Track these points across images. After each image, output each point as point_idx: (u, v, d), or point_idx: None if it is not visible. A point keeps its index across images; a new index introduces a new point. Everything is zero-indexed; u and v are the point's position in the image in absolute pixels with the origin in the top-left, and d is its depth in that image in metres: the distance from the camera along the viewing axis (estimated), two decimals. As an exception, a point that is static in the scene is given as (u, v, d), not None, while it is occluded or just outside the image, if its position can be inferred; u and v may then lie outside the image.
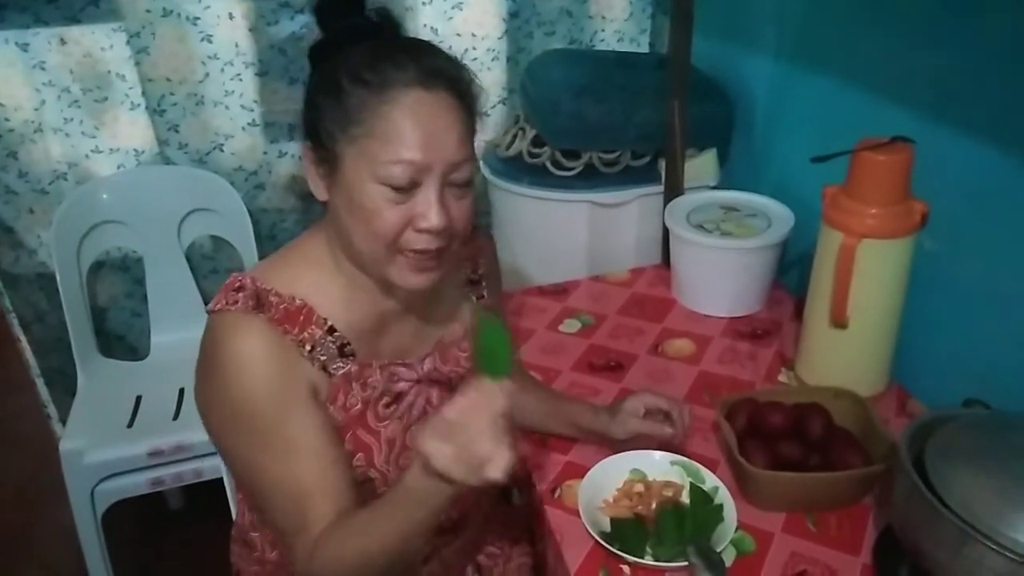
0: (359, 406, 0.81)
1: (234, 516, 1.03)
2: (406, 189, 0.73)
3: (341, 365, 0.80)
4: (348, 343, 0.81)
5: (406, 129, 0.72)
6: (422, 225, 0.74)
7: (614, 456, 1.00)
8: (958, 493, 0.74)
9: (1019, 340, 0.98)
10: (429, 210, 0.74)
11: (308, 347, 0.78)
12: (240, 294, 0.76)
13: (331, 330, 0.79)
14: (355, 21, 0.76)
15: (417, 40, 0.79)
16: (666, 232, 1.45)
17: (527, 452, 1.08)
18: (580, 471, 1.00)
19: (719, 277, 1.35)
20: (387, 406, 0.84)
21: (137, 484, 1.48)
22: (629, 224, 1.55)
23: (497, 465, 0.63)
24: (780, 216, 1.36)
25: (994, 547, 0.69)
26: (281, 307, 0.77)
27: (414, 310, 0.88)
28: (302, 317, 0.78)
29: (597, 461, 1.00)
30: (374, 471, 0.83)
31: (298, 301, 0.78)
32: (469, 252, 0.94)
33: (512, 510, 1.15)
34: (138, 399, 1.59)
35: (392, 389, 0.85)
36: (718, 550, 0.87)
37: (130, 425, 1.52)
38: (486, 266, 0.98)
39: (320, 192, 0.78)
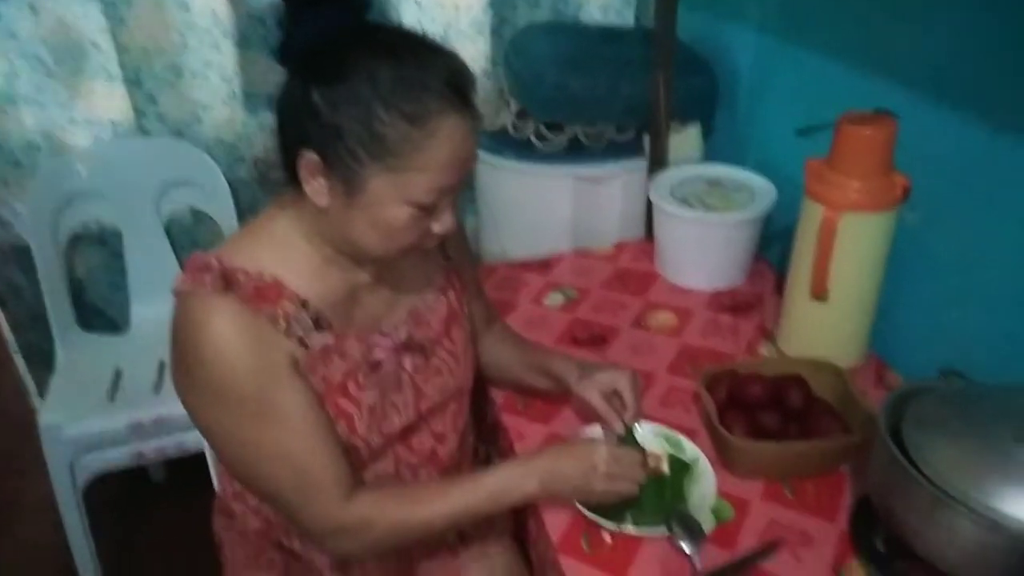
0: (339, 376, 0.82)
1: (216, 488, 1.03)
2: (433, 206, 0.77)
3: (318, 337, 0.80)
4: (322, 315, 0.80)
5: (444, 159, 0.74)
6: (439, 231, 0.80)
7: (594, 425, 1.01)
8: (933, 461, 0.75)
9: (993, 312, 0.99)
10: (447, 218, 0.79)
11: (283, 322, 0.77)
12: (207, 274, 0.75)
13: (304, 304, 0.79)
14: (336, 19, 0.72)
15: (430, 45, 0.76)
16: (650, 206, 1.45)
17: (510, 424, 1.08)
18: (561, 440, 1.01)
19: (702, 251, 1.36)
20: (366, 375, 0.84)
21: (118, 458, 1.47)
22: (613, 198, 1.55)
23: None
24: (763, 190, 1.36)
25: (966, 512, 0.71)
26: (251, 285, 0.76)
27: (385, 280, 0.88)
28: (273, 293, 0.77)
29: (578, 431, 1.01)
30: (357, 439, 0.84)
31: (268, 278, 0.78)
32: None
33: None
34: (118, 372, 1.57)
35: (370, 358, 0.85)
36: (698, 518, 0.88)
37: (110, 399, 1.51)
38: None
39: (320, 199, 0.76)
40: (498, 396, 1.14)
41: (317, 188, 0.75)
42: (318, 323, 0.80)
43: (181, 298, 0.76)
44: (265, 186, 1.69)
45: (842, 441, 0.92)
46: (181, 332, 0.76)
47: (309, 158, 0.74)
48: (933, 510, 0.74)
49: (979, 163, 0.98)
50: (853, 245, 1.03)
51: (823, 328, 1.11)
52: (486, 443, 1.19)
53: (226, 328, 0.74)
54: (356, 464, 0.86)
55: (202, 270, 0.76)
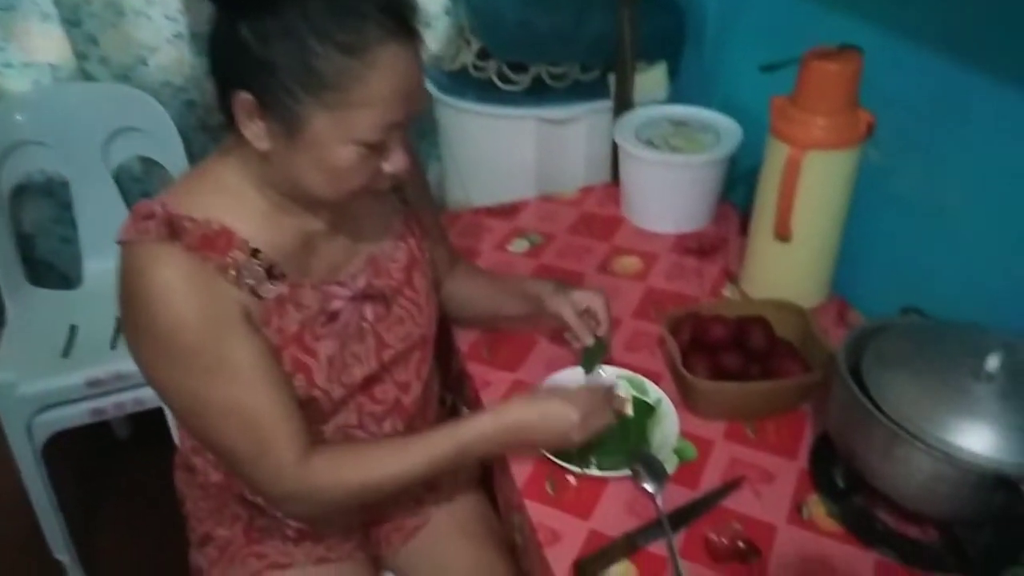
0: (295, 327, 0.79)
1: (176, 442, 1.01)
2: (380, 143, 0.73)
3: (271, 287, 0.77)
4: (275, 265, 0.78)
5: (387, 91, 0.70)
6: (390, 170, 0.75)
7: (560, 372, 1.00)
8: (891, 398, 0.76)
9: (955, 249, 1.00)
10: (398, 157, 0.75)
11: (232, 272, 0.74)
12: (151, 222, 0.71)
13: (255, 253, 0.76)
14: None
15: None
16: (615, 149, 1.42)
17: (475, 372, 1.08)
18: (525, 388, 1.00)
19: (667, 193, 1.34)
20: (323, 325, 0.82)
21: (77, 415, 1.44)
22: (578, 141, 1.52)
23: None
24: (729, 131, 1.34)
25: (921, 447, 0.72)
26: (198, 233, 0.73)
27: (342, 228, 0.85)
28: (221, 241, 0.74)
29: (544, 378, 1.00)
30: (317, 390, 0.82)
31: (215, 225, 0.74)
32: None
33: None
34: (72, 328, 1.53)
35: (327, 308, 0.82)
36: (660, 459, 0.89)
37: (65, 355, 1.47)
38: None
39: (260, 142, 0.72)
40: (463, 344, 1.13)
41: (256, 131, 0.71)
42: (271, 272, 0.77)
43: (125, 248, 0.73)
44: (208, 132, 1.63)
45: (803, 380, 0.93)
46: (126, 283, 0.73)
47: (243, 99, 0.69)
48: (891, 446, 0.75)
49: (944, 99, 0.97)
50: (817, 184, 1.02)
51: (786, 269, 1.11)
52: (452, 392, 1.18)
53: (172, 277, 0.71)
54: (317, 416, 0.84)
55: (146, 218, 0.72)
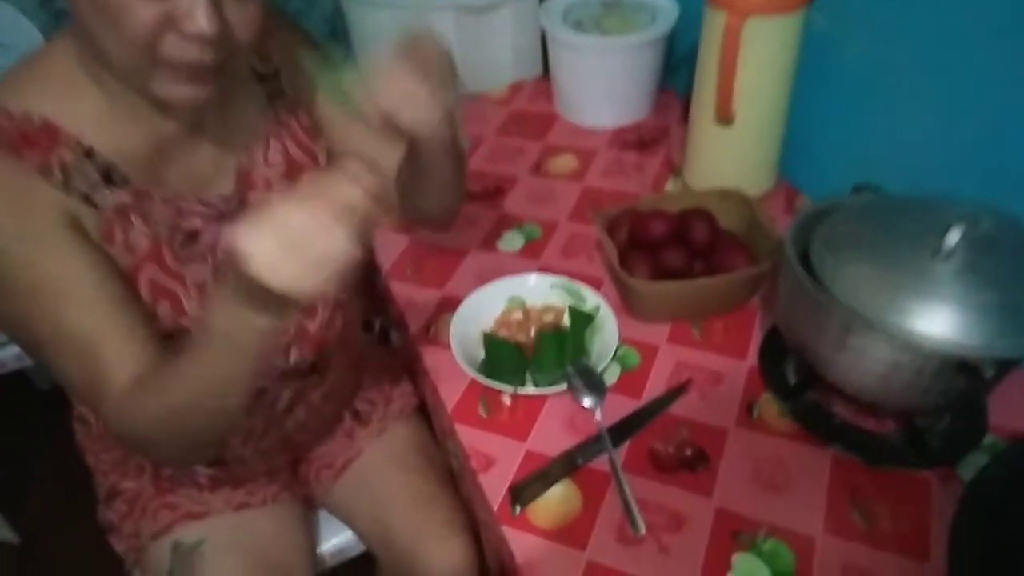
0: (146, 244, 0.67)
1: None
2: None
3: (109, 195, 0.65)
4: (115, 168, 0.65)
5: None
6: (188, 29, 0.57)
7: (488, 285, 0.91)
8: (843, 283, 0.68)
9: (908, 122, 0.92)
10: (195, 9, 0.56)
11: (59, 174, 0.62)
12: None
13: (89, 154, 0.63)
14: None
15: None
16: (545, 39, 1.29)
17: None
18: (454, 305, 0.91)
19: (601, 82, 1.22)
20: (183, 246, 0.70)
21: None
22: (503, 32, 1.38)
23: (331, 264, 0.52)
24: (664, 8, 1.22)
25: (878, 334, 0.65)
26: (13, 130, 0.60)
27: (206, 133, 0.72)
28: (43, 139, 0.61)
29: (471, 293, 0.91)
30: (186, 320, 0.70)
31: (37, 120, 0.61)
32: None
33: (390, 352, 1.07)
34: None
35: (181, 226, 0.70)
36: (601, 368, 0.82)
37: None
38: (283, 55, 0.79)
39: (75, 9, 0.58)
40: (385, 260, 1.03)
41: None
42: (109, 177, 0.65)
43: None
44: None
45: (749, 273, 0.85)
46: None
47: None
48: (845, 335, 0.68)
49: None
50: (759, 56, 0.92)
51: (730, 155, 1.02)
52: (381, 314, 1.09)
53: None
54: None
55: None
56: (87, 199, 0.63)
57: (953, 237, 0.66)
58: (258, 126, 0.77)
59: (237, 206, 0.74)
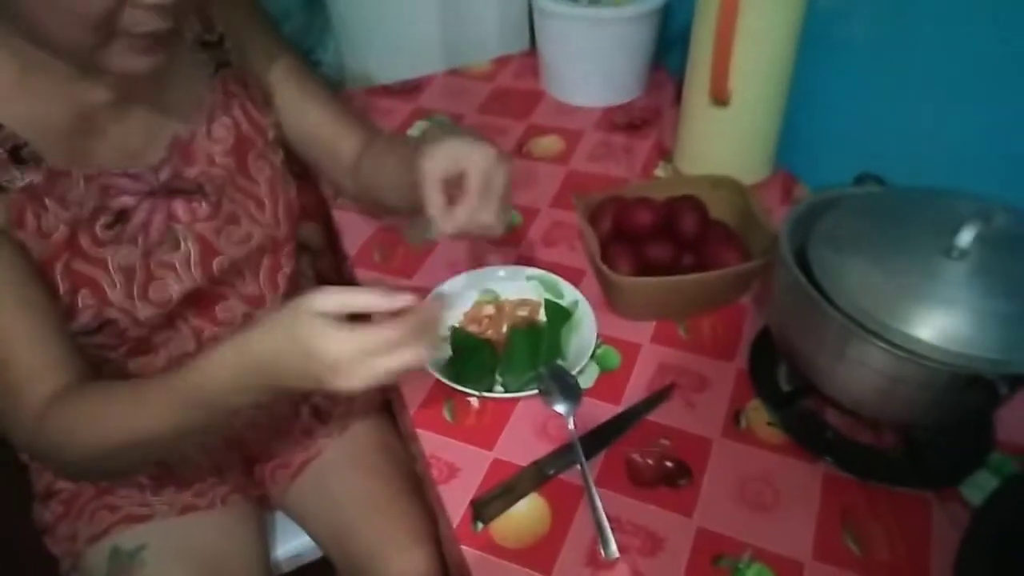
0: (63, 231, 0.60)
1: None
2: None
3: (18, 176, 0.58)
4: (25, 144, 0.58)
5: None
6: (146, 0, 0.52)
7: (459, 276, 0.84)
8: (844, 286, 0.62)
9: (917, 102, 0.84)
10: None
11: None
12: None
13: None
14: None
15: None
16: (531, 9, 1.21)
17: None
18: (424, 297, 0.84)
19: (591, 58, 1.14)
20: (108, 227, 0.63)
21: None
22: (489, 2, 1.29)
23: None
24: (660, -20, 1.14)
25: (881, 345, 0.58)
26: None
27: (139, 100, 0.64)
28: None
29: (444, 282, 0.84)
30: (112, 310, 0.64)
31: None
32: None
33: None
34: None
35: (110, 206, 0.63)
36: (577, 370, 0.75)
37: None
38: (227, 22, 0.72)
39: None
40: (351, 246, 0.96)
41: None
42: (18, 155, 0.57)
43: None
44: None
45: (741, 270, 0.78)
46: None
47: None
48: (844, 344, 0.61)
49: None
50: (759, 31, 0.84)
51: (725, 139, 0.95)
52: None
53: None
54: (131, 344, 0.67)
55: None
56: None
57: (966, 236, 0.59)
58: (202, 97, 0.70)
59: (170, 179, 0.67)
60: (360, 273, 0.92)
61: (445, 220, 0.63)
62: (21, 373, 0.58)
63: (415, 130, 1.15)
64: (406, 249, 0.94)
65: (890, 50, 0.85)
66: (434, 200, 0.64)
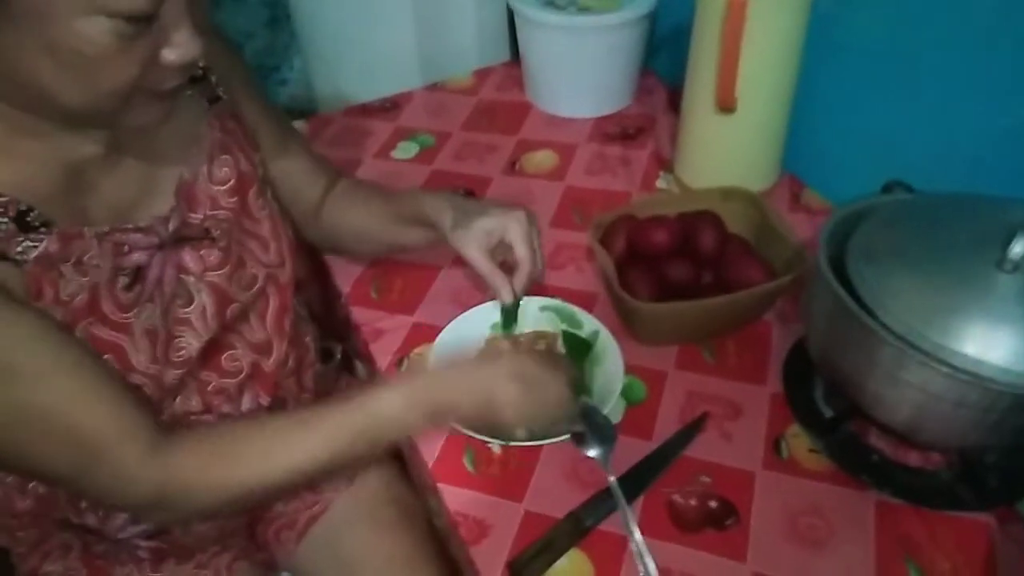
0: (84, 297, 0.55)
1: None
2: (147, 16, 0.47)
3: (31, 244, 0.52)
4: (31, 210, 0.52)
5: None
6: (174, 58, 0.50)
7: (470, 311, 0.79)
8: (891, 304, 0.58)
9: (930, 112, 0.81)
10: (184, 36, 0.49)
11: None
12: None
13: None
14: None
15: None
16: (512, 16, 1.16)
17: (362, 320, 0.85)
18: (430, 335, 0.79)
19: (578, 67, 1.10)
20: (127, 288, 0.57)
21: None
22: (466, 12, 1.24)
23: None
24: (645, -18, 1.10)
25: (940, 368, 0.54)
26: None
27: (132, 150, 0.59)
28: None
29: (450, 319, 0.79)
30: (137, 375, 0.59)
31: None
32: None
33: (356, 384, 0.94)
34: None
35: (124, 265, 0.58)
36: (605, 405, 0.70)
37: None
38: (209, 54, 0.67)
39: None
40: (345, 283, 0.90)
41: None
42: (25, 223, 0.52)
43: None
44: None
45: (770, 287, 0.74)
46: None
47: None
48: (897, 368, 0.57)
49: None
50: (765, 37, 0.80)
51: (731, 147, 0.91)
52: (341, 341, 0.96)
53: None
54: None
55: None
56: (2, 256, 0.50)
57: (1020, 246, 0.56)
58: (200, 135, 0.66)
59: (179, 227, 0.62)
60: (357, 312, 0.86)
61: (507, 292, 0.74)
62: (109, 427, 0.54)
63: (399, 152, 1.10)
64: (405, 282, 0.89)
65: (896, 50, 0.82)
66: (495, 277, 0.73)
